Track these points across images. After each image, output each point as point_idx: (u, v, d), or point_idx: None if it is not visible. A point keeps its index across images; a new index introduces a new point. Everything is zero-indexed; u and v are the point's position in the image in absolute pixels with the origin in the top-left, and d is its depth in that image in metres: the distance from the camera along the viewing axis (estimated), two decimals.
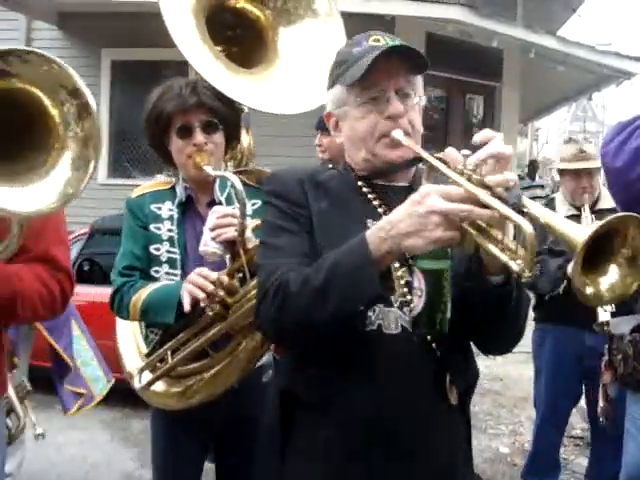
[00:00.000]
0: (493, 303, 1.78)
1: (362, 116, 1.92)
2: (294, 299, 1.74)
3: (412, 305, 1.77)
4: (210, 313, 2.51)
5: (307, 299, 1.72)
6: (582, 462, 5.10)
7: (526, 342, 4.78)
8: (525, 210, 1.53)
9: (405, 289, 1.85)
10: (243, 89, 2.86)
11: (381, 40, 1.93)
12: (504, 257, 1.53)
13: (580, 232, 1.44)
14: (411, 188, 1.95)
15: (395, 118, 1.90)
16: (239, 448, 2.89)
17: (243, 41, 3.12)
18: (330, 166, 2.09)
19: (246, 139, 3.17)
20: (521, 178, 13.12)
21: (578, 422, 6.18)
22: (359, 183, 1.98)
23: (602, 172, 3.29)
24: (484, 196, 1.55)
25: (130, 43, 10.13)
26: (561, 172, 4.55)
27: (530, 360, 4.91)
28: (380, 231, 1.67)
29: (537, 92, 14.66)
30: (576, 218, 4.09)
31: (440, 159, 1.75)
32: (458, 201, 1.57)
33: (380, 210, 1.92)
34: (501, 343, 1.99)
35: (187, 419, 2.75)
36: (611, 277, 1.51)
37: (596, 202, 4.35)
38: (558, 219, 1.53)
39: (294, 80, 2.97)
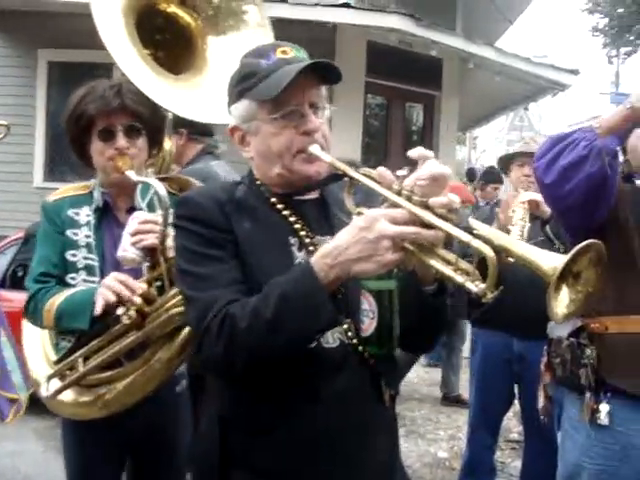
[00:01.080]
0: (425, 310, 1.83)
1: (277, 132, 1.88)
2: (244, 335, 1.69)
3: (363, 326, 1.78)
4: (126, 321, 2.43)
5: (259, 334, 1.69)
6: (519, 465, 5.16)
7: (465, 348, 4.86)
8: (475, 232, 1.57)
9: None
10: (169, 94, 2.83)
11: (288, 52, 1.91)
12: (459, 278, 1.57)
13: (550, 260, 1.49)
14: (323, 200, 2.00)
15: (311, 133, 1.88)
16: (154, 459, 2.83)
17: (172, 46, 3.09)
18: (238, 180, 2.04)
19: (167, 145, 3.13)
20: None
21: (515, 426, 6.27)
22: (272, 200, 1.95)
23: None
24: (434, 219, 1.58)
25: (67, 44, 9.92)
26: (507, 165, 4.64)
27: (468, 366, 4.97)
28: (326, 258, 1.66)
29: (475, 101, 14.86)
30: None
31: (368, 176, 1.76)
32: (404, 224, 1.59)
33: (297, 226, 1.92)
34: (427, 344, 2.05)
35: (100, 431, 2.66)
36: (565, 294, 1.55)
37: None
38: (517, 243, 1.58)
39: (221, 89, 2.97)
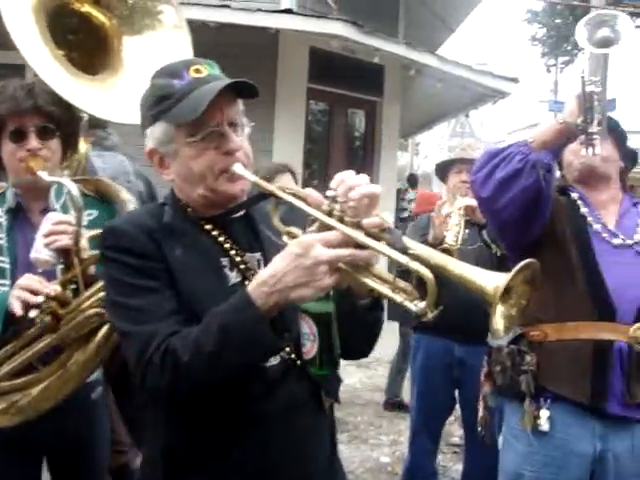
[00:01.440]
0: (360, 324, 1.84)
1: (197, 154, 1.83)
2: (188, 368, 1.67)
3: (305, 349, 1.78)
4: (39, 324, 2.36)
5: (202, 366, 1.67)
6: (460, 469, 5.20)
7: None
8: (411, 252, 1.57)
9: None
10: (84, 95, 2.77)
11: (202, 70, 1.87)
12: (398, 298, 1.58)
13: (486, 280, 1.50)
14: (249, 216, 1.98)
15: (233, 153, 1.85)
16: (72, 467, 2.78)
17: (87, 47, 3.03)
18: (162, 202, 1.99)
19: (83, 147, 3.06)
20: (405, 190, 13.39)
21: (456, 430, 6.32)
22: (199, 221, 1.92)
23: None
24: (370, 242, 1.59)
25: None
26: (445, 171, 4.68)
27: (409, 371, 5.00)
28: (263, 285, 1.65)
29: (417, 108, 15.00)
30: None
31: (296, 195, 1.75)
32: (339, 246, 1.60)
33: (227, 245, 1.90)
34: (361, 352, 2.03)
35: (10, 436, 2.55)
36: (501, 311, 1.56)
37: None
38: (453, 262, 1.59)
39: (137, 89, 2.93)
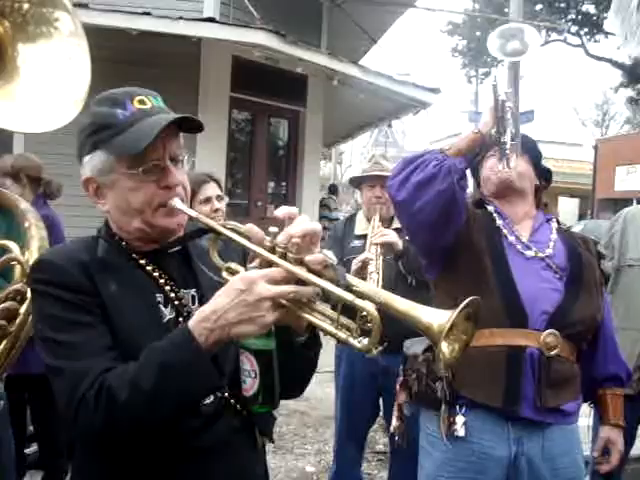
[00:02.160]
0: (297, 360, 1.82)
1: (136, 186, 1.80)
2: (124, 408, 1.61)
3: (245, 386, 1.74)
4: None
5: (140, 405, 1.61)
6: (385, 476, 5.23)
7: (331, 362, 4.89)
8: (354, 288, 1.57)
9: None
10: None
11: (146, 102, 1.84)
12: (342, 335, 1.58)
13: (431, 317, 1.51)
14: (185, 252, 1.95)
15: (172, 188, 1.83)
16: None
17: None
18: (95, 235, 1.94)
19: None
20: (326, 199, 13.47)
21: (381, 437, 6.36)
22: (134, 255, 1.88)
23: None
24: (315, 279, 1.58)
25: None
26: (359, 185, 4.73)
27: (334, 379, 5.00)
28: (205, 322, 1.62)
29: (340, 117, 15.11)
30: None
31: (235, 231, 1.73)
32: (283, 283, 1.59)
33: (162, 281, 1.86)
34: (294, 392, 2.00)
35: None
36: (444, 346, 1.57)
37: (392, 220, 4.52)
38: (398, 299, 1.59)
39: (35, 98, 2.86)
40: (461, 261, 2.83)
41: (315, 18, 13.64)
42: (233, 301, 1.59)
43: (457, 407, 2.77)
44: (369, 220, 4.51)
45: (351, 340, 1.57)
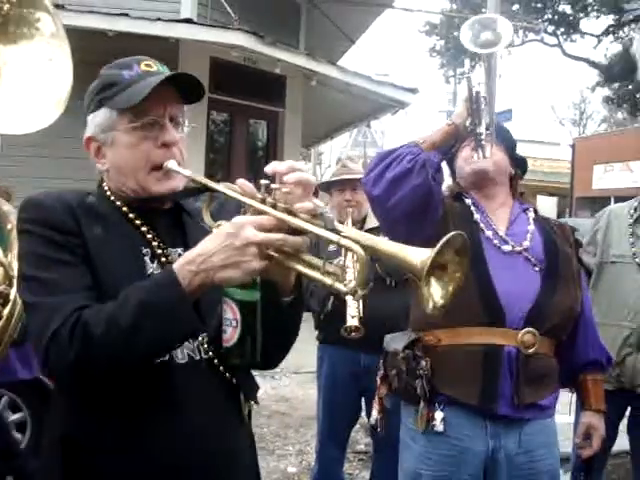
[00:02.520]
0: (281, 322, 1.82)
1: (135, 142, 1.84)
2: (100, 342, 1.60)
3: (225, 336, 1.74)
4: None
5: (116, 341, 1.60)
6: (367, 476, 5.25)
7: (311, 362, 4.90)
8: (342, 234, 1.58)
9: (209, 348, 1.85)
10: None
11: (153, 66, 1.91)
12: (328, 280, 1.58)
13: (416, 255, 1.51)
14: (177, 211, 1.97)
15: (169, 146, 1.86)
16: None
17: None
18: (87, 191, 1.95)
19: None
20: None
21: (362, 438, 6.37)
22: (124, 209, 1.90)
23: None
24: (302, 223, 1.59)
25: None
26: (329, 191, 4.73)
27: (315, 380, 5.01)
28: (190, 264, 1.62)
29: (319, 118, 15.10)
30: None
31: (228, 187, 1.75)
32: (271, 231, 1.59)
33: (149, 236, 1.87)
34: (275, 358, 2.01)
35: None
36: (435, 287, 1.57)
37: (364, 221, 4.53)
38: (383, 241, 1.62)
39: (16, 99, 2.85)
40: None
41: (293, 19, 13.64)
42: (220, 245, 1.60)
43: (436, 404, 2.78)
44: (342, 223, 4.50)
45: (337, 284, 1.57)
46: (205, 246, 1.63)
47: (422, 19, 35.79)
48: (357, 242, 1.55)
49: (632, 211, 4.07)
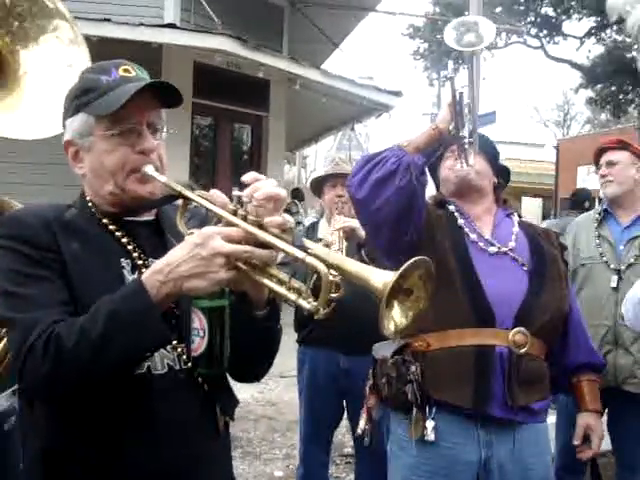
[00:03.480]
0: (257, 335, 1.83)
1: (112, 149, 1.84)
2: (71, 354, 1.61)
3: (193, 346, 1.76)
4: None
5: (86, 353, 1.61)
6: (353, 479, 5.25)
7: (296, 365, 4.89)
8: (309, 251, 1.60)
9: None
10: None
11: (132, 71, 1.91)
12: (292, 296, 1.60)
13: (379, 277, 1.53)
14: (158, 222, 1.98)
15: (147, 153, 1.86)
16: None
17: None
18: (69, 203, 1.96)
19: None
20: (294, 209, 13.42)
21: (348, 440, 6.37)
22: (104, 220, 1.90)
23: None
24: (270, 238, 1.61)
25: None
26: (321, 189, 4.74)
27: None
28: (157, 274, 1.64)
29: (303, 122, 15.13)
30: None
31: (202, 197, 1.76)
32: (239, 242, 1.61)
33: (130, 247, 1.88)
34: (257, 371, 2.03)
35: None
36: (396, 311, 1.60)
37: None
38: (349, 261, 1.63)
39: (36, 106, 2.87)
40: None
41: (276, 23, 13.64)
42: (187, 254, 1.62)
43: (427, 411, 2.77)
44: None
45: (300, 301, 1.59)
46: (173, 255, 1.65)
47: (405, 22, 35.88)
48: (323, 261, 1.57)
49: (597, 215, 4.26)
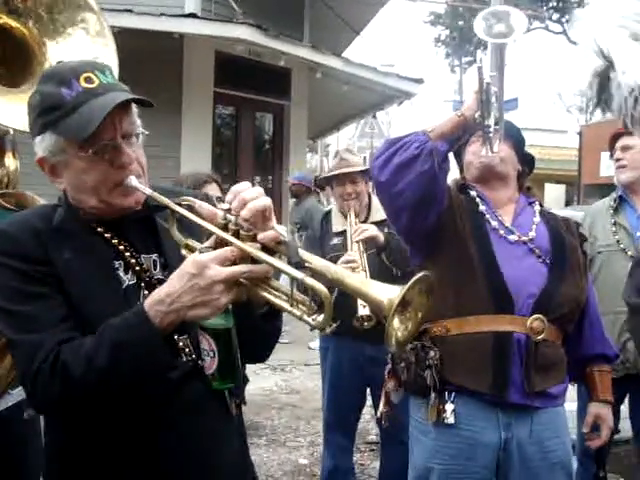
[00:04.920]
0: (256, 332, 1.85)
1: (89, 167, 1.78)
2: (79, 382, 1.64)
3: (205, 365, 1.77)
4: None
5: (94, 382, 1.64)
6: (378, 466, 5.26)
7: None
8: (307, 265, 1.59)
9: (193, 355, 1.85)
10: (7, 110, 2.72)
11: (94, 79, 1.79)
12: (297, 312, 1.60)
13: (382, 292, 1.53)
14: (149, 218, 1.93)
15: (126, 166, 1.80)
16: None
17: (9, 59, 2.96)
18: (56, 203, 1.92)
19: (12, 163, 2.97)
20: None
21: (373, 428, 6.38)
22: (92, 223, 1.86)
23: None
24: (268, 258, 1.60)
25: None
26: (330, 184, 4.74)
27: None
28: (160, 305, 1.64)
29: (325, 110, 15.10)
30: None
31: (190, 208, 1.74)
32: (235, 263, 1.61)
33: (121, 247, 1.86)
34: (258, 358, 2.06)
35: None
36: (397, 323, 1.58)
37: (368, 215, 4.54)
38: (350, 276, 1.62)
39: None
40: (445, 247, 2.85)
41: (297, 11, 13.63)
42: (186, 285, 1.61)
43: (446, 395, 2.79)
44: (344, 215, 4.51)
45: (305, 317, 1.58)
46: (172, 286, 1.64)
47: (427, 9, 35.70)
48: (323, 276, 1.57)
49: (612, 203, 4.22)
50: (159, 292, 1.66)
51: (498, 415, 2.77)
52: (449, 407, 2.77)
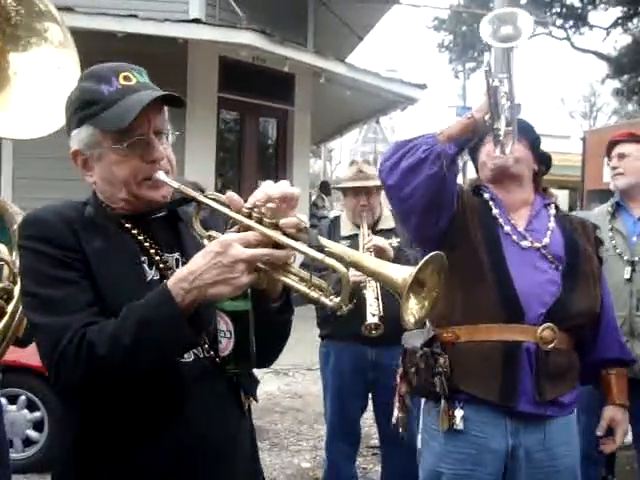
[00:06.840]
0: (271, 327, 1.88)
1: (122, 160, 1.84)
2: (104, 361, 1.67)
3: (221, 346, 1.80)
4: None
5: (120, 360, 1.67)
6: (380, 470, 5.26)
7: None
8: (326, 250, 1.64)
9: (211, 352, 1.89)
10: None
11: (132, 77, 1.88)
12: (314, 294, 1.65)
13: (398, 272, 1.58)
14: (172, 216, 2.00)
15: (157, 161, 1.87)
16: None
17: None
18: (84, 200, 1.97)
19: None
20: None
21: (375, 432, 6.38)
22: (120, 220, 1.92)
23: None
24: (288, 241, 1.65)
25: None
26: (343, 192, 4.75)
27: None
28: (182, 282, 1.68)
29: (328, 115, 15.14)
30: (357, 237, 4.37)
31: (216, 200, 1.79)
32: (257, 246, 1.65)
33: (146, 244, 1.91)
34: (267, 360, 2.05)
35: None
36: (413, 302, 1.63)
37: (377, 222, 4.56)
38: (367, 258, 1.69)
39: (25, 106, 2.90)
40: (457, 253, 2.74)
41: (301, 16, 13.66)
42: (209, 263, 1.66)
43: (456, 401, 2.78)
44: (356, 225, 4.52)
45: (323, 299, 1.63)
46: (195, 264, 1.69)
47: (430, 14, 35.75)
48: (341, 259, 1.62)
49: (610, 208, 4.27)
50: (182, 271, 1.71)
51: (506, 423, 2.75)
52: (458, 413, 2.74)
